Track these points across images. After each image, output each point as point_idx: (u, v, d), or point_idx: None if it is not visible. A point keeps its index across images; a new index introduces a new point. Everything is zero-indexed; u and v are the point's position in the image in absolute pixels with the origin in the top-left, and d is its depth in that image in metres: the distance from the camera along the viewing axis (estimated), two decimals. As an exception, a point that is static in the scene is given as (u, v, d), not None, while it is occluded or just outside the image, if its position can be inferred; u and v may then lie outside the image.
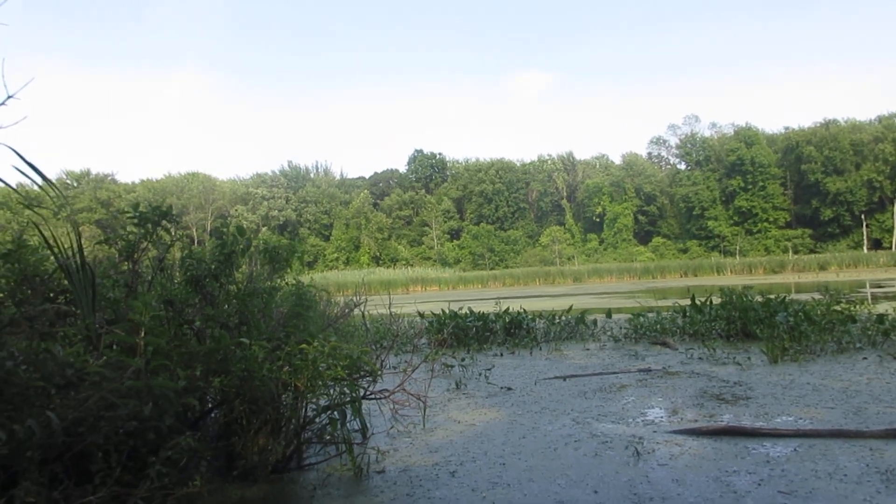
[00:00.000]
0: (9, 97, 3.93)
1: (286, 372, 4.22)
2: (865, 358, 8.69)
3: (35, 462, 3.22)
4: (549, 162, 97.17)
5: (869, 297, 21.08)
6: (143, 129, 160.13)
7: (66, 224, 4.30)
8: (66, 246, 4.17)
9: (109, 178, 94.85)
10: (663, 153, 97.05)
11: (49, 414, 3.10)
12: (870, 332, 9.94)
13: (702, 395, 6.92)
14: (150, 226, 4.59)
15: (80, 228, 4.30)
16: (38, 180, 4.12)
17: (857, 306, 11.35)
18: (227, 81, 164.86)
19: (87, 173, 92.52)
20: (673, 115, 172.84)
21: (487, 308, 15.04)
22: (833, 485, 3.97)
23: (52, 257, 4.77)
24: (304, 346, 4.31)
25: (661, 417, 6.02)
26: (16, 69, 3.96)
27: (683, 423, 5.71)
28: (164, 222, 4.72)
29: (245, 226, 4.93)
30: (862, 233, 75.79)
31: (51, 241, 4.18)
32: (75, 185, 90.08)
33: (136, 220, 4.61)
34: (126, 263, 4.83)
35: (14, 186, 4.61)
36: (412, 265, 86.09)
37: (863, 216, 76.58)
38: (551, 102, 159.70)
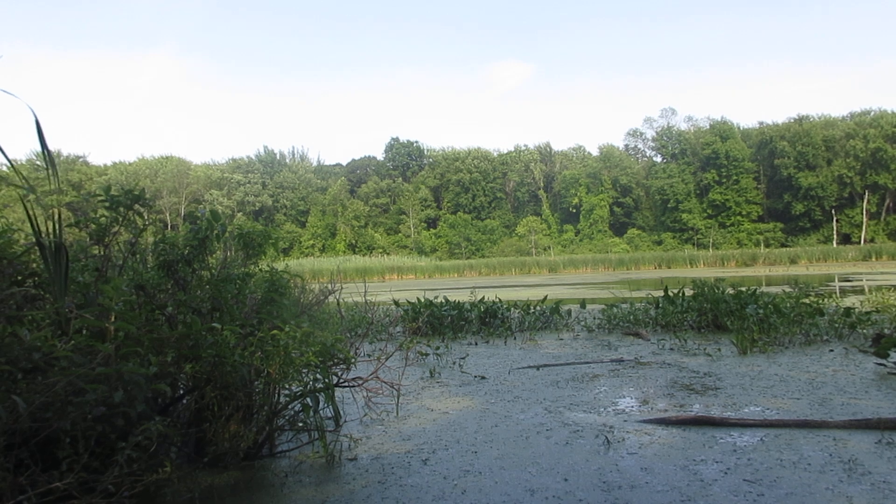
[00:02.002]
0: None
1: (258, 358, 4.20)
2: (832, 350, 8.86)
3: (0, 447, 3.18)
4: (527, 152, 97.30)
5: (837, 291, 21.48)
6: (116, 112, 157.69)
7: (37, 206, 4.21)
8: (37, 226, 4.08)
9: (81, 160, 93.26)
10: (640, 145, 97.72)
11: (15, 398, 3.06)
12: (837, 325, 10.13)
13: (672, 385, 7.01)
14: (122, 209, 4.51)
15: (50, 211, 4.21)
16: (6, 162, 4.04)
17: (826, 300, 11.57)
18: (203, 65, 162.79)
19: (58, 155, 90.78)
20: (650, 107, 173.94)
21: (463, 297, 15.09)
22: (797, 474, 4.06)
23: (19, 240, 4.69)
24: (275, 332, 4.28)
25: (632, 407, 6.09)
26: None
27: (653, 413, 5.78)
28: (136, 206, 4.65)
29: (220, 211, 4.86)
30: (832, 227, 77.12)
31: (27, 221, 4.09)
32: (45, 166, 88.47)
33: (107, 204, 4.53)
34: (97, 247, 4.75)
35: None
36: (388, 253, 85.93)
37: (833, 211, 77.89)
38: (529, 93, 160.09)
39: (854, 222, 77.71)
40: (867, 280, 29.37)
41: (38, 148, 4.26)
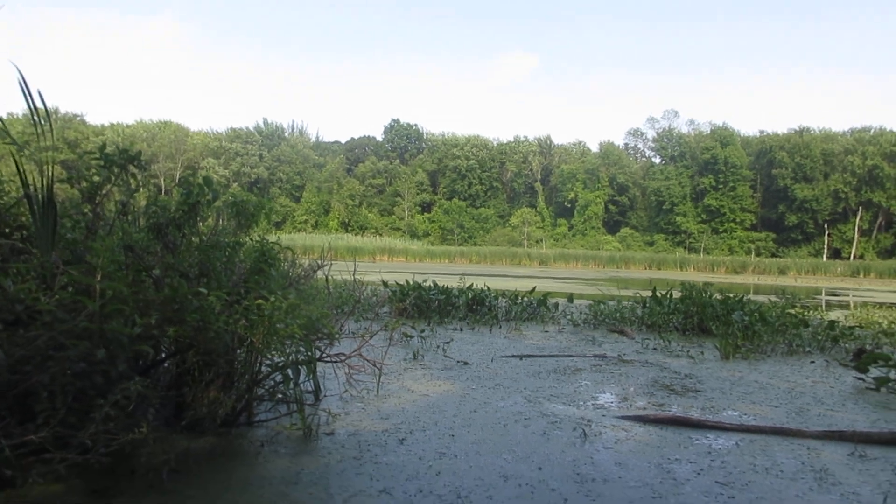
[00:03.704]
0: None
1: (242, 326, 4.19)
2: (813, 361, 8.93)
3: (-23, 397, 3.17)
4: (526, 144, 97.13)
5: (823, 304, 21.63)
6: (116, 73, 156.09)
7: (30, 161, 4.17)
8: (31, 181, 4.06)
9: (78, 118, 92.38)
10: (640, 145, 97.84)
11: (-5, 348, 3.04)
12: (820, 338, 10.20)
13: (653, 384, 7.05)
14: (115, 168, 4.48)
15: (43, 167, 4.18)
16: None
17: (811, 312, 11.66)
18: (207, 32, 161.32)
19: (56, 112, 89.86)
20: (653, 108, 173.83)
21: (452, 283, 15.10)
22: (769, 479, 4.09)
23: (10, 192, 4.65)
24: (260, 301, 4.28)
25: (612, 403, 6.13)
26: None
27: (632, 410, 5.82)
28: (130, 166, 4.61)
29: (215, 180, 4.83)
30: (823, 241, 77.51)
31: (16, 175, 4.07)
32: (42, 122, 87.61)
33: (101, 162, 4.49)
34: (88, 205, 4.72)
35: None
36: (381, 234, 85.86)
37: (826, 225, 78.26)
38: (533, 85, 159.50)
39: (845, 238, 78.12)
40: (853, 296, 29.58)
41: (37, 102, 4.21)
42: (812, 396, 6.69)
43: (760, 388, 7.04)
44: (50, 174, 4.08)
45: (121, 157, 4.53)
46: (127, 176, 4.69)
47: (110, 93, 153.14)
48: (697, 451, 4.67)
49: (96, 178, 4.59)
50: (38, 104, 4.30)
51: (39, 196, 4.04)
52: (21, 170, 4.00)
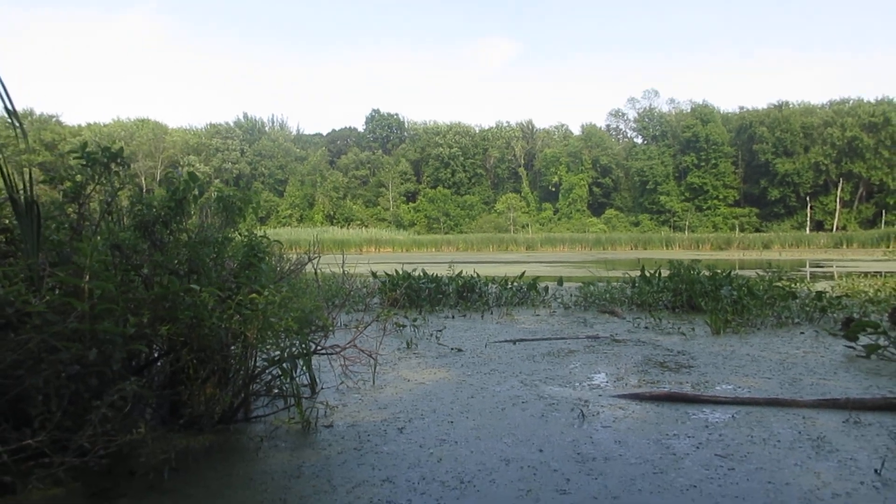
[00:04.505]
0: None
1: (236, 321, 4.15)
2: (803, 332, 9.01)
3: (-29, 404, 3.12)
4: (508, 129, 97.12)
5: (808, 276, 21.83)
6: (90, 72, 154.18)
7: (9, 164, 4.10)
8: (8, 180, 3.99)
9: (54, 119, 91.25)
10: (621, 126, 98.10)
11: (-13, 354, 3.00)
12: (808, 309, 10.29)
13: (646, 362, 7.09)
14: (98, 167, 4.42)
15: (22, 169, 4.13)
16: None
17: (798, 284, 11.77)
18: (183, 26, 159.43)
19: (31, 113, 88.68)
20: (633, 89, 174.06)
21: (440, 271, 15.09)
22: (767, 450, 4.13)
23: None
24: (254, 296, 4.24)
25: (607, 382, 6.15)
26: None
27: (627, 389, 5.84)
28: (112, 165, 4.55)
29: (181, 171, 4.78)
30: (806, 214, 78.24)
31: (2, 176, 4.00)
32: (17, 125, 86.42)
33: (83, 161, 4.43)
34: (72, 206, 4.65)
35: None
36: (367, 226, 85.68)
37: (808, 198, 78.98)
38: (513, 69, 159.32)
39: (827, 210, 78.91)
40: (837, 267, 29.88)
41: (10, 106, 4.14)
42: (804, 367, 6.75)
43: (752, 360, 7.10)
44: (29, 175, 4.02)
45: (103, 155, 4.46)
46: (110, 175, 4.63)
47: (86, 91, 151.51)
48: (695, 425, 4.70)
49: (79, 178, 4.52)
50: (10, 106, 4.22)
51: (22, 198, 3.98)
52: (4, 172, 3.94)
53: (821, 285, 15.40)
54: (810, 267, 30.19)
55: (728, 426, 4.66)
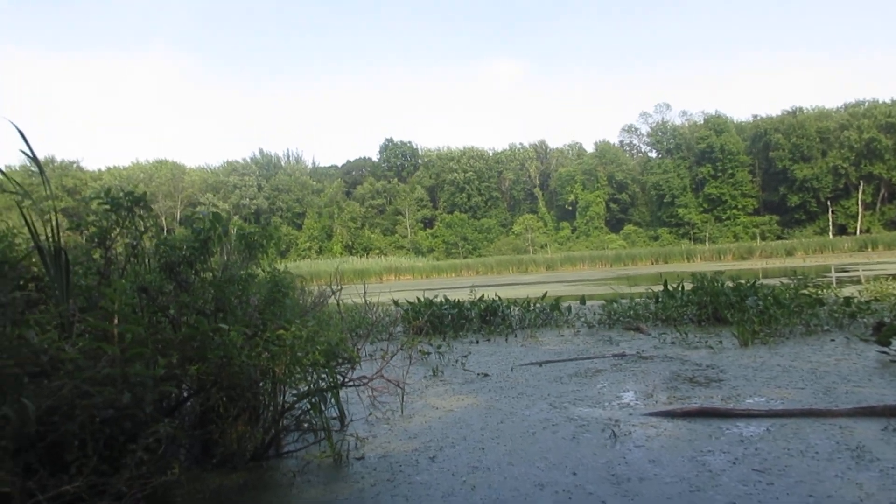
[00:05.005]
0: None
1: (265, 358, 4.18)
2: (833, 340, 8.87)
3: (9, 451, 3.16)
4: (522, 150, 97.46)
5: (834, 282, 21.52)
6: (109, 116, 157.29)
7: (33, 212, 4.19)
8: (39, 231, 4.08)
9: (75, 165, 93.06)
10: (635, 141, 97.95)
11: (24, 401, 3.04)
12: (837, 315, 10.14)
13: (675, 378, 7.01)
14: (123, 212, 4.50)
15: (46, 216, 4.22)
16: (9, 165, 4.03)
17: (824, 290, 11.60)
18: (196, 66, 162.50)
19: (52, 160, 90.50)
20: (644, 103, 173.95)
21: (462, 296, 15.08)
22: (805, 462, 4.06)
23: (21, 244, 4.67)
24: (281, 332, 4.27)
25: (637, 401, 6.09)
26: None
27: (658, 406, 5.78)
28: (136, 208, 4.63)
29: (206, 211, 4.87)
30: (828, 219, 77.30)
31: (26, 225, 4.10)
32: (41, 172, 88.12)
33: (108, 206, 4.51)
34: (98, 250, 4.73)
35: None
36: (385, 254, 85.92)
37: (828, 202, 78.11)
38: (523, 90, 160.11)
39: (850, 213, 77.94)
40: (864, 270, 29.45)
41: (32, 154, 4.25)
42: (837, 375, 6.64)
43: (784, 371, 7.00)
44: (55, 223, 4.11)
45: (126, 199, 4.55)
46: (134, 218, 4.72)
47: (105, 135, 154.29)
48: (729, 440, 4.63)
49: (105, 223, 4.61)
50: (32, 155, 4.33)
51: (49, 245, 4.06)
52: (30, 222, 4.02)
53: (848, 290, 15.18)
54: (836, 272, 29.77)
55: (763, 439, 4.59)
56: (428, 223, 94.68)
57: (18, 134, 4.10)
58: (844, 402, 5.48)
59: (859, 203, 76.88)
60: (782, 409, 5.30)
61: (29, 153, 4.18)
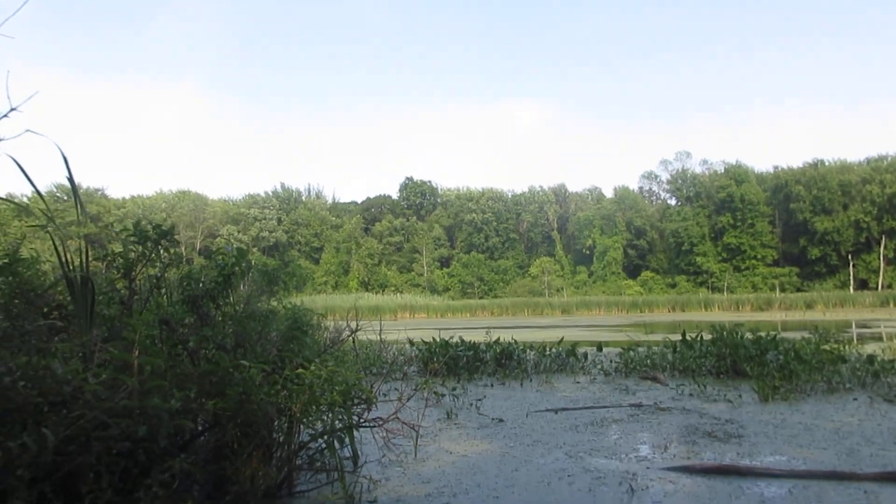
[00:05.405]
0: (12, 109, 3.94)
1: (283, 396, 4.17)
2: (856, 399, 8.71)
3: (24, 481, 3.16)
4: (541, 193, 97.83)
5: (855, 338, 21.18)
6: (136, 145, 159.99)
7: (55, 237, 4.26)
8: (65, 259, 4.14)
9: (100, 192, 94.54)
10: (654, 188, 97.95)
11: (45, 431, 3.05)
12: (860, 373, 9.96)
13: (693, 431, 6.90)
14: (149, 244, 4.56)
15: (68, 242, 4.29)
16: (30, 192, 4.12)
17: (846, 346, 11.41)
18: (223, 100, 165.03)
19: (79, 187, 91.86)
20: (665, 150, 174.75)
21: (476, 337, 14.99)
22: (829, 527, 3.95)
23: (47, 271, 4.74)
24: (301, 370, 4.27)
25: (654, 453, 5.99)
26: (14, 80, 3.95)
27: (676, 460, 5.68)
28: (163, 241, 4.69)
29: (231, 246, 4.92)
30: (849, 273, 76.31)
31: (50, 254, 4.16)
32: (65, 198, 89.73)
33: (135, 238, 4.58)
34: (123, 281, 4.79)
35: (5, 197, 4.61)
36: (401, 292, 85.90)
37: (850, 256, 77.23)
38: (544, 133, 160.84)
39: (871, 268, 76.98)
40: (886, 327, 28.97)
41: (57, 180, 4.37)
42: (861, 436, 6.50)
43: (805, 429, 6.86)
44: (86, 252, 4.16)
45: (154, 232, 4.61)
46: (160, 250, 4.78)
47: (130, 164, 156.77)
48: (749, 500, 4.53)
49: (132, 255, 4.67)
50: (66, 183, 4.42)
51: (76, 275, 4.11)
52: (61, 252, 4.08)
53: (870, 347, 14.91)
54: (857, 327, 29.31)
55: (785, 501, 4.49)
56: (445, 262, 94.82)
57: (63, 161, 4.18)
58: (869, 466, 5.35)
59: (881, 258, 75.97)
60: (805, 470, 5.18)
61: (69, 180, 4.27)
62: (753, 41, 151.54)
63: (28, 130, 3.98)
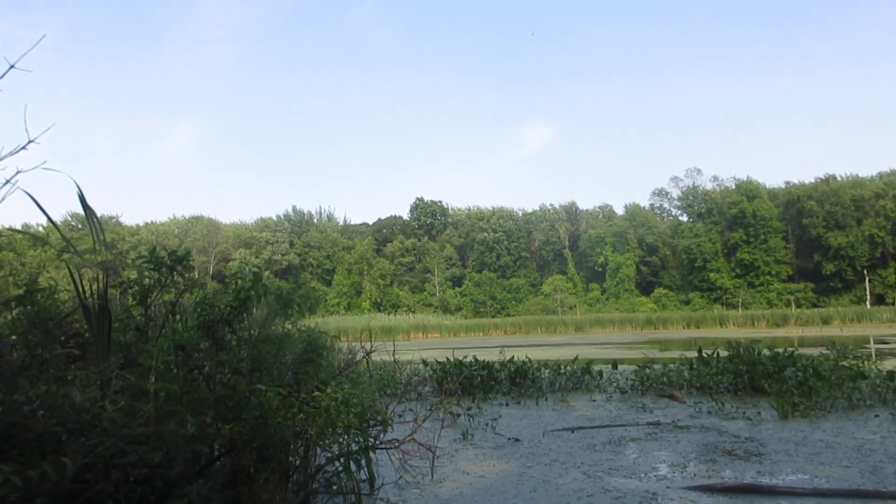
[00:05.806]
0: (29, 142, 3.99)
1: (300, 419, 4.16)
2: (877, 416, 8.58)
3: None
4: (552, 211, 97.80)
5: (873, 353, 20.91)
6: (149, 172, 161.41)
7: (71, 266, 4.30)
8: (81, 288, 4.16)
9: (114, 220, 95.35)
10: (665, 205, 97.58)
11: (64, 459, 3.05)
12: (880, 390, 9.83)
13: (713, 450, 6.81)
14: (165, 270, 4.58)
15: (82, 270, 4.32)
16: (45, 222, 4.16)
17: (865, 362, 11.25)
18: (234, 125, 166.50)
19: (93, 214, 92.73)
20: (675, 166, 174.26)
21: (490, 356, 14.92)
22: (855, 547, 3.88)
23: (65, 300, 4.77)
24: (317, 393, 4.26)
25: (674, 472, 5.91)
26: (30, 113, 4.00)
27: (696, 479, 5.60)
28: (179, 267, 4.72)
29: (247, 270, 4.93)
30: (864, 288, 75.51)
31: (67, 282, 4.19)
32: (80, 227, 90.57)
33: (150, 265, 4.61)
34: (139, 308, 4.81)
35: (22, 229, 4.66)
36: (414, 311, 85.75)
37: (865, 271, 76.47)
38: (554, 151, 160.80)
39: (887, 283, 76.15)
40: (905, 342, 28.58)
41: (73, 208, 4.42)
42: (884, 453, 6.39)
43: (827, 447, 6.76)
44: (105, 282, 4.19)
45: (170, 258, 4.64)
46: (175, 277, 4.80)
47: (143, 191, 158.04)
48: (773, 520, 4.46)
49: (147, 281, 4.69)
50: (81, 212, 4.46)
51: (93, 303, 4.14)
52: (77, 281, 4.11)
53: (889, 363, 14.73)
54: (875, 343, 28.95)
55: (809, 520, 4.41)
56: (457, 282, 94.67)
57: (77, 194, 4.23)
58: (893, 484, 5.26)
59: (897, 272, 75.22)
60: (828, 489, 5.10)
61: (86, 213, 4.31)
62: (761, 58, 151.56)
63: (44, 167, 4.02)
